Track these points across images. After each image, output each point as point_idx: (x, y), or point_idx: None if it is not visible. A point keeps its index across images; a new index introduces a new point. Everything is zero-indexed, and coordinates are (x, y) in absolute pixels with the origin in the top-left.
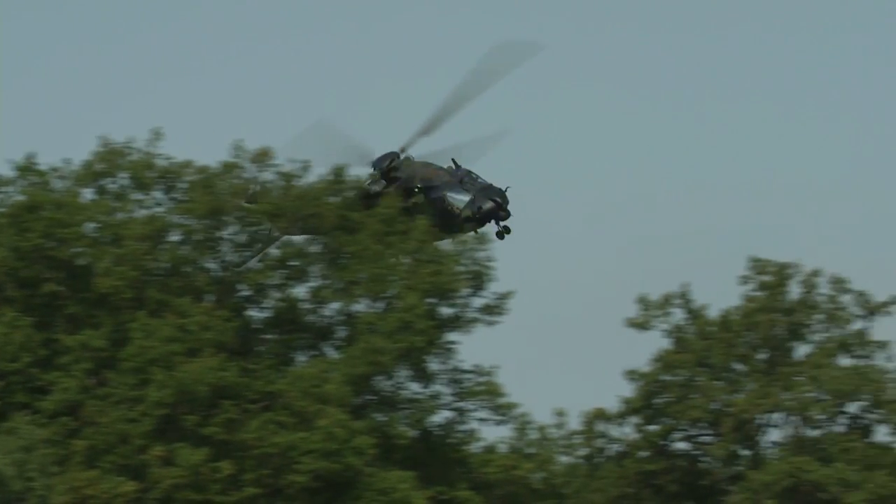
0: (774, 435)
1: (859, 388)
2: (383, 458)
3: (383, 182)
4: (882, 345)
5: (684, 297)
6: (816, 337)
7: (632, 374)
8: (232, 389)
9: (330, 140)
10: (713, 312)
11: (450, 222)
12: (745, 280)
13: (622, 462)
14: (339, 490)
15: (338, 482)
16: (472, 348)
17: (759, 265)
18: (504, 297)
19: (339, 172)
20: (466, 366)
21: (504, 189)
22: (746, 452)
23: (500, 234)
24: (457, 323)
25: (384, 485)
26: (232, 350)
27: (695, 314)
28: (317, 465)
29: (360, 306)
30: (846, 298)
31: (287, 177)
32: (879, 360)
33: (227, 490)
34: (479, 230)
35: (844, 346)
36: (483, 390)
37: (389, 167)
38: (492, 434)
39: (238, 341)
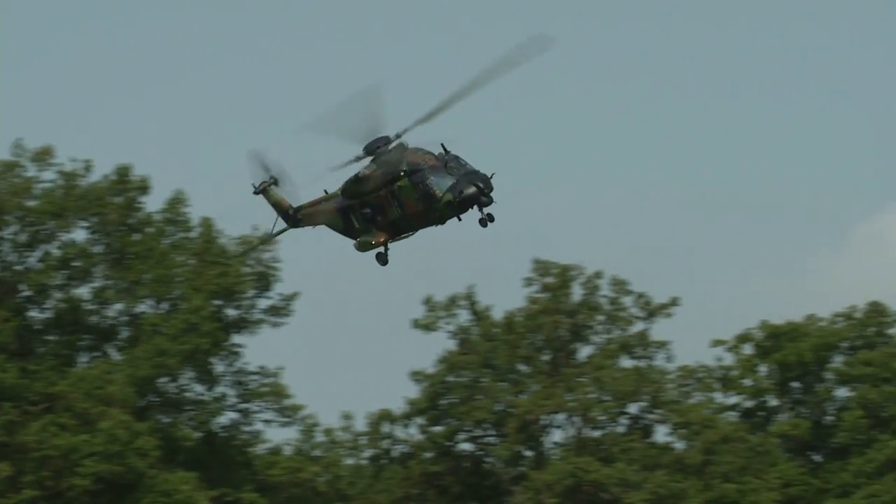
0: (557, 435)
1: (640, 389)
2: (167, 459)
3: (373, 166)
4: (662, 345)
5: (469, 299)
6: (598, 338)
7: (417, 376)
8: (11, 391)
9: (369, 112)
10: (498, 314)
11: (431, 207)
12: (528, 282)
13: (407, 463)
14: (121, 492)
15: (120, 484)
16: (258, 350)
17: (542, 267)
18: (290, 298)
19: (123, 172)
20: (252, 367)
21: (490, 175)
22: (530, 453)
23: (483, 222)
24: (242, 324)
25: (167, 486)
26: (11, 351)
27: (480, 316)
28: (99, 467)
29: (145, 307)
30: (627, 300)
31: (69, 176)
32: (659, 360)
33: (5, 492)
34: (460, 216)
35: (626, 348)
36: (268, 392)
37: (378, 150)
38: (277, 436)
39: (18, 342)
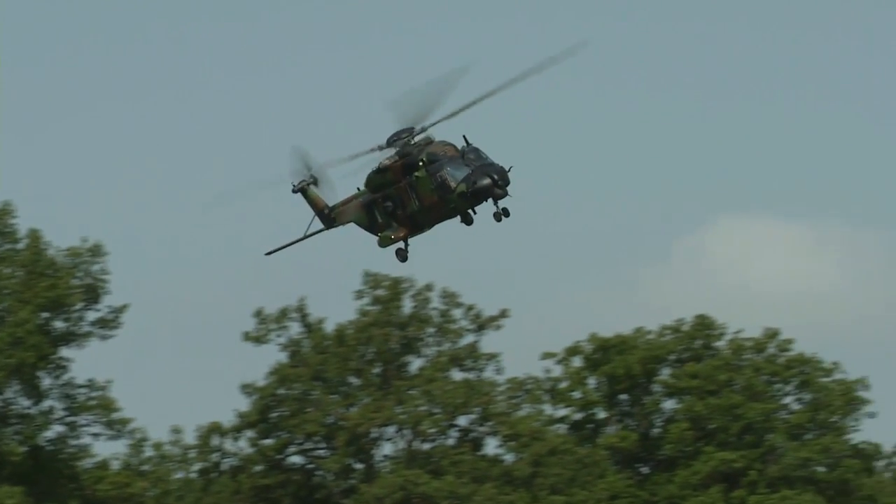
0: (388, 448)
1: (470, 402)
2: None
3: (395, 157)
4: (492, 358)
5: (301, 311)
6: (429, 351)
7: (247, 388)
8: None
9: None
10: (329, 326)
11: (445, 197)
12: (359, 294)
13: (237, 476)
14: None
15: None
16: (86, 363)
17: (373, 279)
18: (119, 310)
19: None
20: (80, 381)
21: (508, 168)
22: (360, 466)
23: (498, 216)
24: (71, 337)
25: None
26: None
27: (311, 328)
28: None
29: None
30: (457, 312)
31: None
32: (489, 372)
33: None
34: (474, 209)
35: (456, 360)
36: (96, 405)
37: (401, 140)
38: (105, 450)
39: None
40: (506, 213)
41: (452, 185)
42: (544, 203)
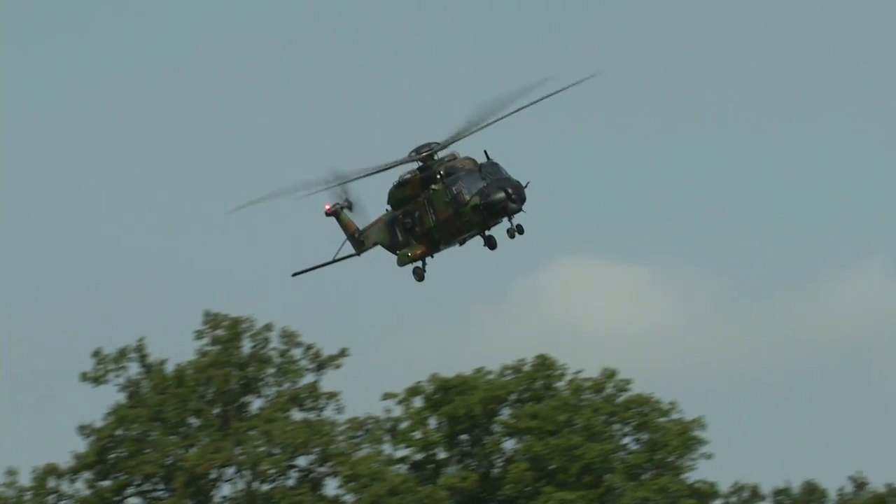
0: (227, 489)
1: (309, 442)
2: None
3: (416, 171)
4: (332, 397)
5: (140, 351)
6: (269, 391)
7: (85, 430)
8: None
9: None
10: (169, 367)
11: (459, 211)
12: (199, 334)
13: None
14: None
15: None
16: None
17: (213, 319)
18: None
19: None
20: None
21: (525, 184)
22: None
23: (511, 233)
24: None
25: None
26: None
27: (150, 368)
28: None
29: None
30: (297, 352)
31: None
32: (329, 412)
33: None
34: (489, 225)
35: (296, 400)
36: None
37: (423, 155)
38: None
39: None
40: (520, 230)
41: (466, 197)
42: None
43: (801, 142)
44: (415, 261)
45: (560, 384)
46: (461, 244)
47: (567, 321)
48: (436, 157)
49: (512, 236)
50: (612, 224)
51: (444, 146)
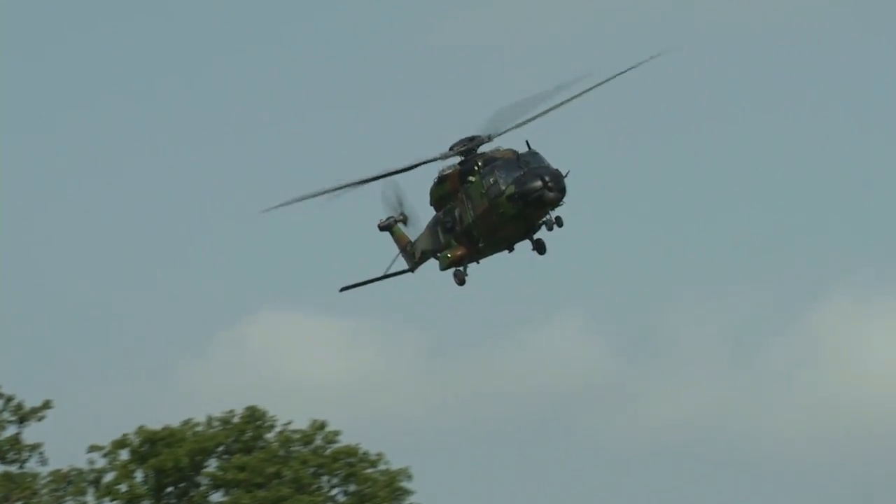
0: None
1: (11, 495)
2: None
3: (456, 165)
4: (34, 449)
5: None
6: None
7: None
8: None
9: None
10: None
11: (495, 202)
12: None
13: None
14: None
15: None
16: None
17: None
18: None
19: None
20: None
21: (564, 174)
22: None
23: (549, 225)
24: None
25: None
26: None
27: None
28: None
29: None
30: None
31: None
32: (33, 464)
33: None
34: (529, 218)
35: None
36: None
37: (464, 148)
38: None
39: None
40: (559, 222)
41: (502, 187)
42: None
43: None
44: (455, 264)
45: (270, 435)
46: (510, 250)
47: (277, 373)
48: (477, 152)
49: (550, 228)
50: (316, 278)
51: (487, 140)
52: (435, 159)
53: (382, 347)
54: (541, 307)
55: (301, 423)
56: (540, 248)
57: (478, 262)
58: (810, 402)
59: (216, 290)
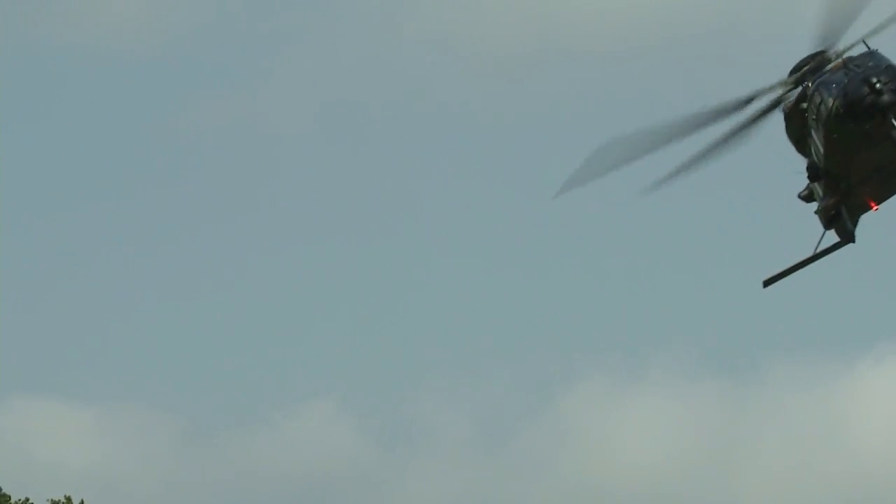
0: None
1: None
2: None
3: (792, 86)
4: None
5: None
6: None
7: None
8: None
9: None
10: None
11: (827, 126)
12: None
13: None
14: None
15: None
16: None
17: None
18: None
19: None
20: None
21: None
22: None
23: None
24: None
25: None
26: None
27: None
28: None
29: None
30: None
31: None
32: None
33: None
34: (870, 132)
35: None
36: None
37: (801, 72)
38: None
39: None
40: None
41: (830, 105)
42: None
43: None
44: (831, 217)
45: None
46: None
47: (26, 458)
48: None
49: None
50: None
51: (835, 57)
52: (773, 88)
53: (134, 434)
54: (296, 391)
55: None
56: None
57: (873, 209)
58: (565, 488)
59: None
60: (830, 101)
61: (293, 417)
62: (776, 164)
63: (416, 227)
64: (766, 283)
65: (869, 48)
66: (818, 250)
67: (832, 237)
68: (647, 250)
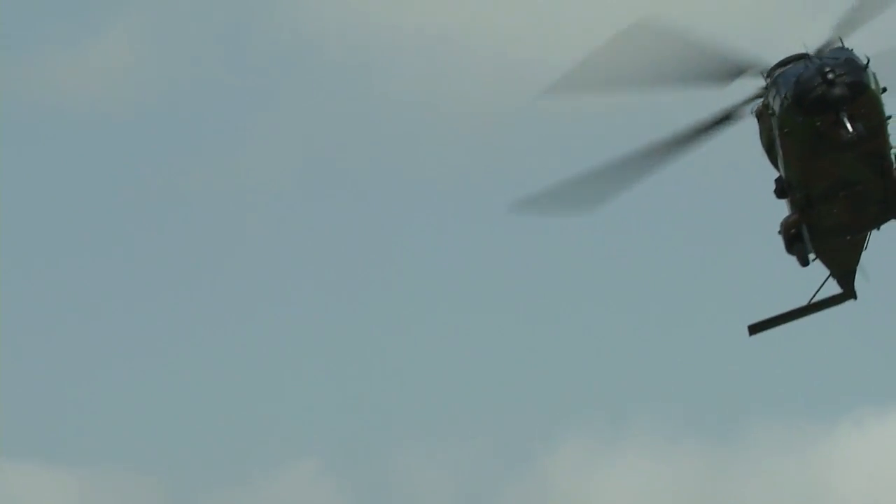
0: None
1: None
2: None
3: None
4: None
5: None
6: None
7: None
8: None
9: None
10: None
11: (780, 122)
12: None
13: None
14: None
15: None
16: None
17: None
18: None
19: None
20: None
21: (864, 63)
22: None
23: (847, 136)
24: None
25: None
26: None
27: None
28: None
29: None
30: None
31: None
32: None
33: None
34: (822, 130)
35: None
36: None
37: (781, 71)
38: None
39: None
40: (859, 133)
41: (782, 97)
42: None
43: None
44: (791, 237)
45: None
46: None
47: None
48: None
49: (849, 141)
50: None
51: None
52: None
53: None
54: (276, 452)
55: None
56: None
57: (849, 236)
58: None
59: None
60: (784, 93)
61: (273, 479)
62: (763, 202)
63: (398, 287)
64: (753, 331)
65: (842, 43)
66: (812, 301)
67: (833, 287)
68: (626, 301)
